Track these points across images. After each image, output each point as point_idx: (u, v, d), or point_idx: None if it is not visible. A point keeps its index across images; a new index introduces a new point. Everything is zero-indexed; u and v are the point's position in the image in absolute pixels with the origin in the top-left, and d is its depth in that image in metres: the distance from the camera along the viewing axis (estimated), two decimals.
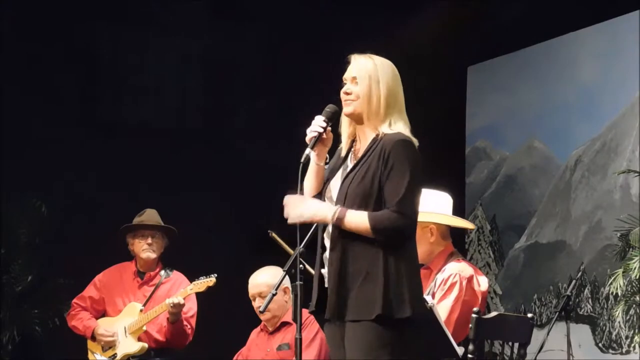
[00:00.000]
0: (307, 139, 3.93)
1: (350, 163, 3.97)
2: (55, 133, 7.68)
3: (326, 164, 4.01)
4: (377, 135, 3.89)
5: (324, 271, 3.90)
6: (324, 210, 3.85)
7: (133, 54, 8.19)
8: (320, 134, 3.91)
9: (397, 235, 3.80)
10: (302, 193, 3.91)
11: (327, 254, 3.90)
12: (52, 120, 7.65)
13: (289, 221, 3.87)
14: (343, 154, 4.01)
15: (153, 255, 6.38)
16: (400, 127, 3.89)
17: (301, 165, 3.90)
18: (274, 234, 6.05)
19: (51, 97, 7.76)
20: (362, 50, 3.99)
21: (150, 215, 6.44)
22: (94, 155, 7.78)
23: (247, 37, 8.15)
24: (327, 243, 3.91)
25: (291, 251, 5.77)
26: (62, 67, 7.80)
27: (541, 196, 8.04)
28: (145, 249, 6.37)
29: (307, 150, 3.91)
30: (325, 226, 3.93)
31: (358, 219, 3.80)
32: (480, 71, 8.60)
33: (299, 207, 3.86)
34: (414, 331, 3.80)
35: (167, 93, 8.33)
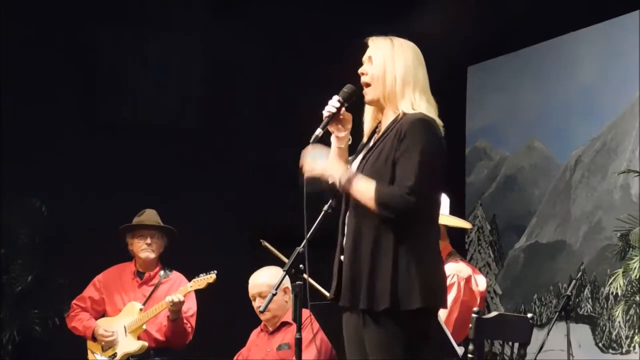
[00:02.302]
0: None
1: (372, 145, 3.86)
2: (55, 133, 7.68)
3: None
4: (398, 115, 3.76)
5: (343, 257, 3.79)
6: (336, 170, 3.72)
7: (133, 54, 8.18)
8: (332, 114, 3.78)
9: (398, 215, 3.64)
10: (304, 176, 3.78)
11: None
12: (52, 120, 7.65)
13: (304, 173, 3.74)
14: (365, 139, 3.89)
15: (152, 256, 6.38)
16: (422, 107, 3.76)
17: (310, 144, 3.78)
18: (266, 243, 6.05)
19: (51, 97, 7.76)
20: (365, 48, 3.92)
21: (149, 216, 6.45)
22: (94, 155, 7.78)
23: (248, 37, 8.15)
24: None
25: (284, 258, 5.80)
26: (62, 67, 7.80)
27: (541, 196, 8.04)
28: (144, 249, 6.37)
29: (318, 131, 3.79)
30: (346, 211, 3.81)
31: (365, 188, 3.66)
32: (480, 71, 8.60)
33: (317, 160, 3.74)
34: (425, 322, 3.68)
35: (168, 93, 8.33)
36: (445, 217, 5.00)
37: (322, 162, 3.75)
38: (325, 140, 3.83)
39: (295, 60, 8.01)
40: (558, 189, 7.88)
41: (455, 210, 5.15)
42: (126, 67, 8.18)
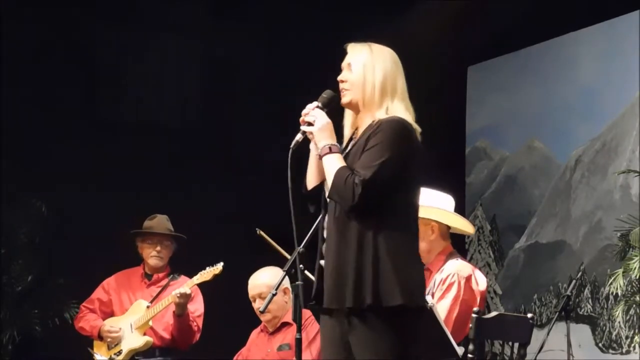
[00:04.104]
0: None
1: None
2: (56, 133, 7.67)
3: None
4: (373, 122, 3.78)
5: (323, 262, 3.81)
6: (324, 139, 3.76)
7: (133, 54, 8.19)
8: (308, 126, 3.82)
9: (343, 204, 3.69)
10: (292, 182, 3.76)
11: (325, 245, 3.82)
12: (52, 120, 7.65)
13: (303, 127, 3.80)
14: (344, 145, 3.90)
15: (160, 263, 6.40)
16: (399, 112, 3.77)
17: (290, 151, 3.80)
18: (262, 232, 6.03)
19: (51, 97, 7.76)
20: (344, 53, 3.92)
21: (160, 222, 6.42)
22: (94, 155, 7.78)
23: (248, 37, 8.15)
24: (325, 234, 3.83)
25: (280, 249, 5.78)
26: (62, 68, 7.80)
27: (541, 196, 8.04)
28: (153, 255, 6.38)
29: (298, 136, 3.82)
30: (324, 216, 3.84)
31: (331, 167, 3.72)
32: (480, 71, 8.60)
33: (319, 120, 3.79)
34: (409, 320, 3.69)
35: (169, 93, 8.33)
36: (450, 215, 4.99)
37: (322, 124, 3.79)
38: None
39: (294, 60, 8.01)
40: (558, 189, 7.88)
41: (455, 211, 5.14)
42: (126, 67, 8.19)
